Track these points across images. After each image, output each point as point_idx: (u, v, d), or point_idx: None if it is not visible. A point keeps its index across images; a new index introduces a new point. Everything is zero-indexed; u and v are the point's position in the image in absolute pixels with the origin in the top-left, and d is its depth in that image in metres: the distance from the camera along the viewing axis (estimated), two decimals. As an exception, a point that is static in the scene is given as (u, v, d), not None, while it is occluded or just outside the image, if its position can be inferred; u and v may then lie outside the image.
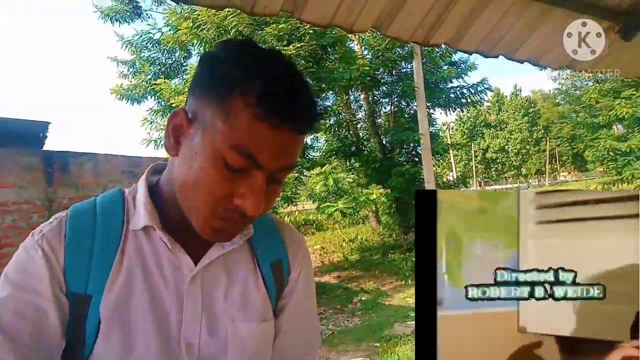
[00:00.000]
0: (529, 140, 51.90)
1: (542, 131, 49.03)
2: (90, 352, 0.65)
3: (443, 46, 2.10)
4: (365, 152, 14.40)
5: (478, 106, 15.03)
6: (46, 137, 5.30)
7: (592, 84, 25.96)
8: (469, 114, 52.01)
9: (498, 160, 55.34)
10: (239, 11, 1.60)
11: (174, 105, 11.81)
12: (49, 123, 5.15)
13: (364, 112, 14.79)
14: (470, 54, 2.10)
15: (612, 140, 20.72)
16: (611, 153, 20.28)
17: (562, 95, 39.84)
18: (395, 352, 5.22)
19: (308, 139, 13.34)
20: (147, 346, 0.66)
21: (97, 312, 0.65)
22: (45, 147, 5.48)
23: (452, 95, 14.25)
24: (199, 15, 10.73)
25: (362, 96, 14.35)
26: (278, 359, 0.80)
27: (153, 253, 0.70)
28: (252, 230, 0.77)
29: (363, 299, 8.30)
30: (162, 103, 12.45)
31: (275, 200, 0.71)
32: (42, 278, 0.64)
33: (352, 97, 15.07)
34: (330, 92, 13.29)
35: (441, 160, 21.19)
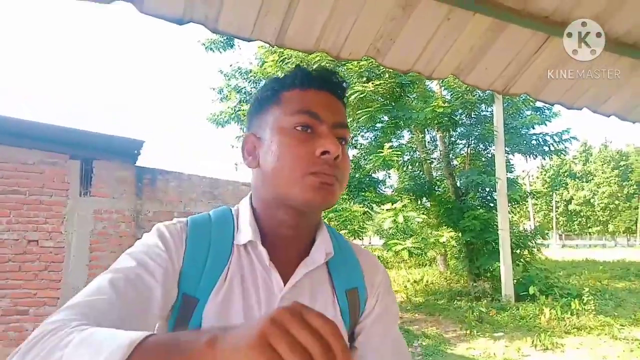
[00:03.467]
0: (619, 195, 47.95)
1: (635, 187, 45.16)
2: None
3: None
4: (438, 192, 14.12)
5: (561, 155, 14.25)
6: (140, 153, 5.79)
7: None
8: (552, 163, 49.28)
9: (582, 214, 51.52)
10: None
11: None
12: (144, 142, 5.63)
13: (439, 152, 14.58)
14: (552, 105, 2.09)
15: None
16: None
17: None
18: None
19: (380, 175, 13.36)
20: None
21: (200, 314, 0.73)
22: (138, 163, 5.98)
23: (533, 142, 13.66)
24: (284, 50, 11.32)
25: (438, 135, 14.19)
26: None
27: (250, 268, 0.78)
28: (332, 252, 0.83)
29: (424, 343, 8.00)
30: (244, 129, 13.11)
31: (348, 161, 0.82)
32: (160, 264, 0.72)
33: (428, 137, 14.95)
34: (407, 129, 13.29)
35: (518, 209, 20.15)
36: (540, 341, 7.74)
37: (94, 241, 5.53)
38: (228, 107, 13.54)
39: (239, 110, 12.75)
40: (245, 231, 0.78)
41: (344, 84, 0.82)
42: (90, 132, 5.74)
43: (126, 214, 5.76)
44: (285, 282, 0.78)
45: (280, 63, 11.95)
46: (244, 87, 13.68)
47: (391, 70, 10.24)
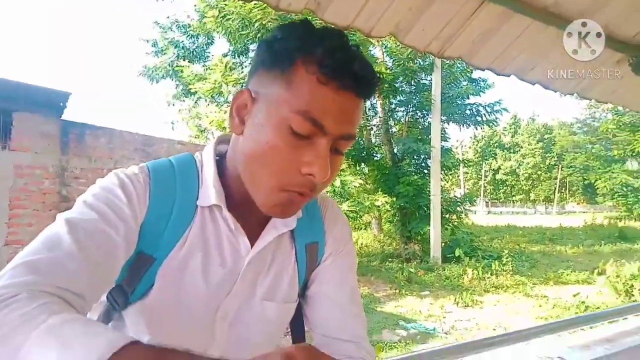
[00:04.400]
0: (541, 166, 51.52)
1: (556, 158, 48.67)
2: (135, 302, 0.70)
3: (462, 63, 2.16)
4: (376, 159, 14.45)
5: (493, 125, 15.03)
6: (66, 106, 5.42)
7: (611, 116, 25.81)
8: (483, 133, 51.82)
9: (508, 183, 54.99)
10: (264, 5, 1.65)
11: (192, 90, 11.95)
12: (70, 94, 5.27)
13: (379, 119, 14.84)
14: (483, 70, 2.16)
15: (625, 175, 20.59)
16: (623, 188, 20.16)
17: (579, 125, 39.54)
18: (380, 358, 5.27)
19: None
20: (191, 311, 0.71)
21: (153, 275, 0.69)
22: (63, 117, 5.61)
23: (467, 112, 14.28)
24: (225, 5, 10.86)
25: (378, 102, 14.40)
26: (321, 329, 0.82)
27: (215, 231, 0.73)
28: (301, 213, 0.79)
29: (355, 302, 8.35)
30: (181, 87, 12.60)
31: (337, 172, 0.71)
32: (122, 217, 0.65)
33: (368, 103, 15.13)
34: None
35: (450, 176, 21.14)
36: (462, 299, 8.33)
37: (14, 198, 5.18)
38: (163, 62, 12.89)
39: (175, 66, 12.17)
40: (210, 193, 0.72)
41: (376, 81, 0.66)
42: (9, 80, 5.27)
43: (50, 170, 5.42)
44: (252, 245, 0.74)
45: (221, 19, 11.48)
46: (182, 42, 13.04)
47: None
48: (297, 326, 0.88)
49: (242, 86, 0.74)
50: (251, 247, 0.74)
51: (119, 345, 0.43)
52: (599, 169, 23.24)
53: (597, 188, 22.94)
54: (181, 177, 0.73)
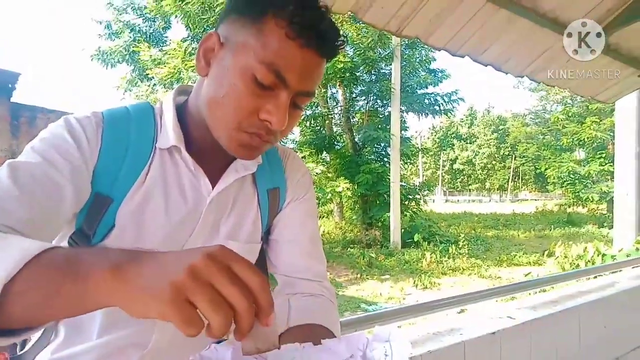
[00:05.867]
0: (496, 156, 53.34)
1: (509, 149, 50.47)
2: (97, 245, 0.70)
3: (421, 47, 2.23)
4: (338, 147, 14.57)
5: (450, 115, 15.44)
6: (15, 88, 5.16)
7: (561, 107, 27.01)
8: (441, 124, 53.09)
9: (464, 172, 56.66)
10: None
11: (149, 75, 11.63)
12: (19, 74, 5.02)
13: (340, 108, 14.94)
14: (439, 50, 2.24)
15: (573, 164, 21.64)
16: (571, 176, 21.19)
17: (532, 116, 41.12)
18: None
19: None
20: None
21: (113, 216, 0.69)
22: (13, 99, 5.35)
23: (426, 101, 14.59)
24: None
25: (340, 91, 14.49)
26: (284, 270, 0.86)
27: (175, 172, 0.75)
28: (261, 160, 0.82)
29: (317, 288, 8.46)
30: (137, 72, 12.21)
31: (295, 126, 0.74)
32: (69, 160, 0.65)
33: (329, 92, 15.21)
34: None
35: (410, 165, 21.59)
36: (420, 281, 8.60)
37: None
38: (118, 46, 12.43)
39: (132, 49, 11.77)
40: (170, 135, 0.73)
41: (339, 44, 0.69)
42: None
43: (0, 155, 5.18)
44: (214, 187, 0.76)
45: (180, 2, 11.19)
46: (137, 25, 12.62)
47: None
48: (261, 270, 0.91)
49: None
50: (212, 189, 0.76)
51: (33, 254, 0.43)
52: (549, 158, 24.27)
53: (548, 177, 23.95)
54: (137, 121, 0.74)
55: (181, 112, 0.77)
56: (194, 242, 0.75)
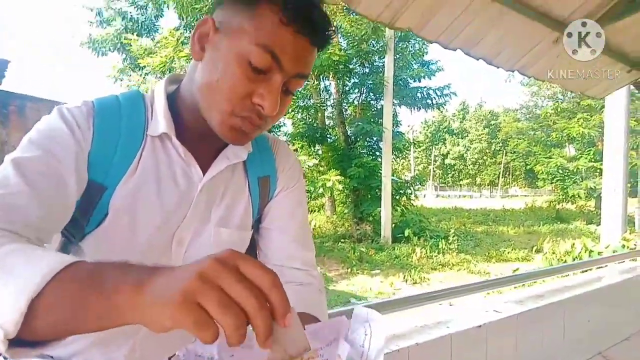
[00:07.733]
0: (487, 151, 53.64)
1: (500, 144, 50.76)
2: (91, 233, 0.71)
3: (414, 39, 2.22)
4: (330, 140, 14.55)
5: (442, 108, 15.48)
6: (4, 76, 5.07)
7: (552, 103, 27.16)
8: (433, 119, 53.20)
9: (456, 167, 56.95)
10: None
11: (141, 65, 11.51)
12: (9, 61, 4.93)
13: (333, 101, 14.91)
14: (431, 42, 2.23)
15: (562, 160, 21.82)
16: (560, 171, 21.37)
17: (523, 112, 41.33)
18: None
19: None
20: (148, 237, 0.73)
21: (107, 203, 0.70)
22: (2, 87, 5.25)
23: (418, 95, 14.61)
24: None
25: (333, 84, 14.45)
26: (273, 259, 0.88)
27: (167, 159, 0.76)
28: (251, 148, 0.84)
29: (308, 281, 8.47)
30: (129, 60, 12.08)
31: (286, 110, 0.75)
32: (68, 150, 0.66)
33: (323, 85, 15.17)
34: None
35: (402, 160, 21.65)
36: (410, 276, 8.64)
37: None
38: (109, 34, 12.28)
39: (123, 39, 11.64)
40: (160, 122, 0.74)
41: (330, 34, 0.71)
42: None
43: (-13, 143, 5.10)
44: (205, 174, 0.78)
45: (172, -9, 11.07)
46: (129, 12, 12.46)
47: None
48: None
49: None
50: (203, 176, 0.77)
51: (59, 268, 0.43)
52: (539, 154, 24.46)
53: (537, 172, 24.15)
54: (128, 109, 0.75)
55: (173, 99, 0.78)
56: (186, 228, 0.77)
